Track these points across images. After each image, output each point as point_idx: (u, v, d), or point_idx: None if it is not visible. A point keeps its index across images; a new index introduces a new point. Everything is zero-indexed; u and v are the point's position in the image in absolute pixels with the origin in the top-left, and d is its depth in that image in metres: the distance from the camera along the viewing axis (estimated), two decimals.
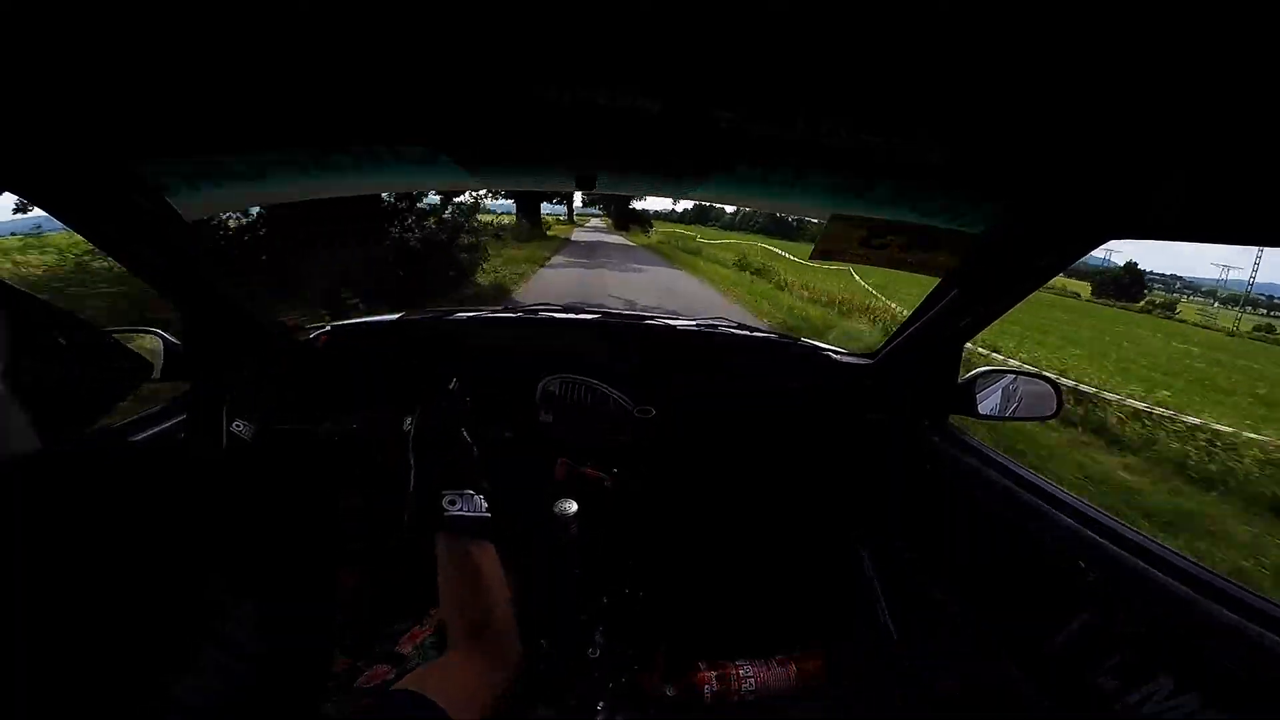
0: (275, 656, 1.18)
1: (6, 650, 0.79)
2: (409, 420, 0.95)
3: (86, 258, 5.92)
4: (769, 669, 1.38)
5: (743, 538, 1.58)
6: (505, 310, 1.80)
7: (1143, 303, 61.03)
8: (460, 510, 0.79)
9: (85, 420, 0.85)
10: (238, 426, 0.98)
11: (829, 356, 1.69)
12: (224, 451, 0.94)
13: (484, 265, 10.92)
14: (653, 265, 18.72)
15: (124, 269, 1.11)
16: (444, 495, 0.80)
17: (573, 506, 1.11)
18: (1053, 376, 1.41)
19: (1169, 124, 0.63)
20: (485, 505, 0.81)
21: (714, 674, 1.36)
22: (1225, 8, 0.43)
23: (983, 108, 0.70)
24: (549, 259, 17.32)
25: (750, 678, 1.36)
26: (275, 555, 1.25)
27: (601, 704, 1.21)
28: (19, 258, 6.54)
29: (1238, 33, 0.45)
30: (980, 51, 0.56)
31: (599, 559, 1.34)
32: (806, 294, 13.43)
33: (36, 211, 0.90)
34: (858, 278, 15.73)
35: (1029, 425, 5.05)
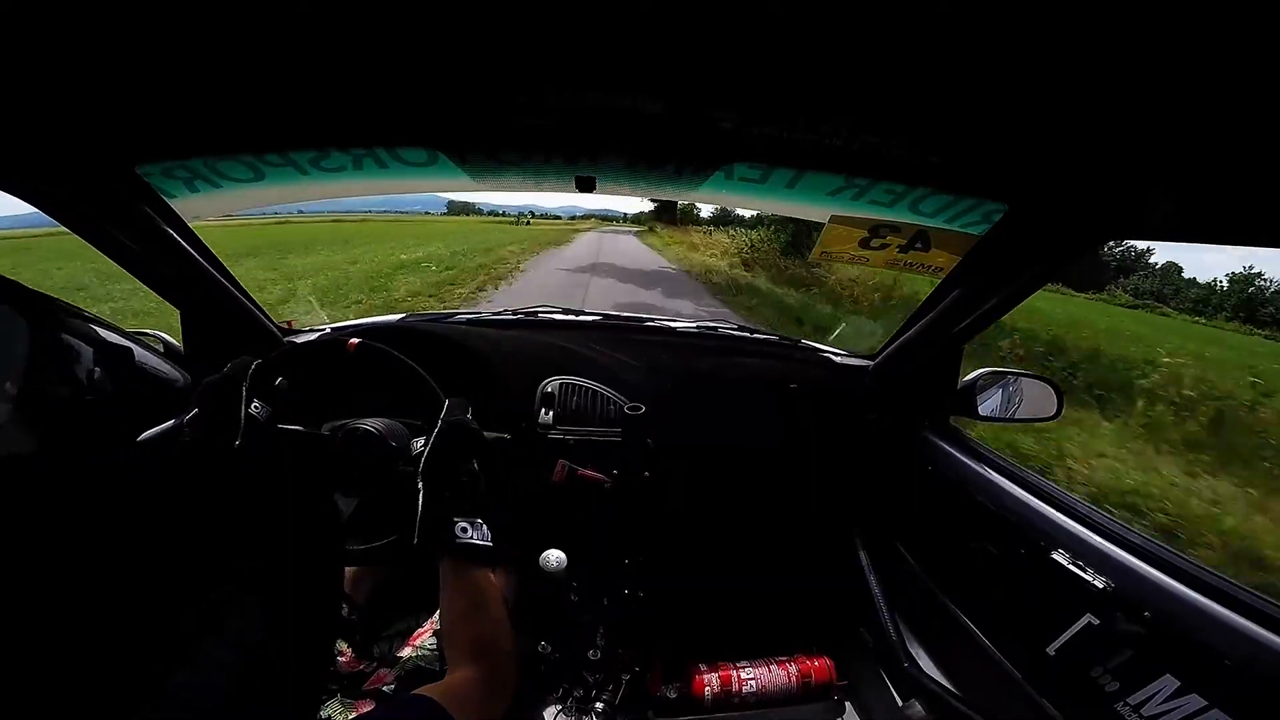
0: (277, 653, 1.17)
1: (8, 643, 0.79)
2: (420, 442, 0.95)
3: None
4: (769, 671, 1.38)
5: (743, 539, 1.57)
6: (506, 313, 1.80)
7: None
8: (470, 538, 0.82)
9: (108, 421, 0.85)
10: (255, 408, 0.98)
11: (829, 358, 1.69)
12: (240, 432, 0.94)
13: None
14: None
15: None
16: (456, 522, 0.82)
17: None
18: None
19: (1169, 124, 0.63)
20: (489, 534, 0.84)
21: (714, 676, 1.35)
22: (1221, 13, 0.43)
23: (983, 109, 0.70)
24: None
25: (751, 679, 1.36)
26: (280, 553, 1.25)
27: (602, 705, 1.21)
28: None
29: (1233, 36, 0.45)
30: (980, 52, 0.56)
31: (599, 560, 1.34)
32: None
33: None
34: None
35: None
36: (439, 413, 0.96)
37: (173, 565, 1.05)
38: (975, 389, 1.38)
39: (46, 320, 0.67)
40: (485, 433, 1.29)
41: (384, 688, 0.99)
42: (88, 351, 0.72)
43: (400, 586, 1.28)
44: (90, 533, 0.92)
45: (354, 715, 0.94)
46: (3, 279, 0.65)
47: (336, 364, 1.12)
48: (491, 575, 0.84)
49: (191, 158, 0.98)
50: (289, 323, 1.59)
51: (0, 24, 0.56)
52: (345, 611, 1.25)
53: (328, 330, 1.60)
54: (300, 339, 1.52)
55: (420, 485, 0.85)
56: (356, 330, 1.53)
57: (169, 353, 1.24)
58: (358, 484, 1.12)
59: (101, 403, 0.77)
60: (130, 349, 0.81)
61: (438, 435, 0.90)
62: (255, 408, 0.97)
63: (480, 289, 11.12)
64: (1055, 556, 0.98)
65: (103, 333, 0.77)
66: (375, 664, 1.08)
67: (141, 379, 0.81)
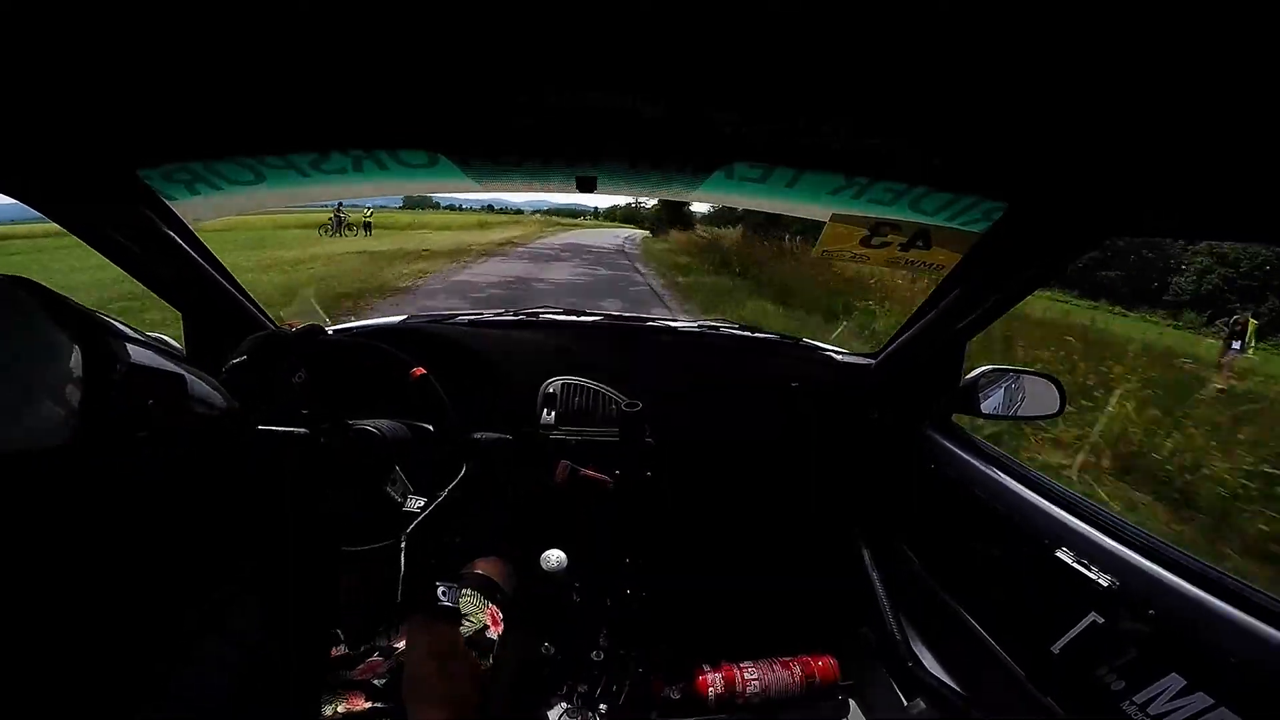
0: (278, 651, 1.18)
1: (11, 640, 0.79)
2: (418, 503, 0.97)
3: None
4: (773, 670, 1.38)
5: (745, 539, 1.57)
6: (507, 313, 1.80)
7: None
8: (450, 601, 0.86)
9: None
10: (299, 376, 0.99)
11: (830, 356, 1.69)
12: (290, 391, 0.96)
13: None
14: None
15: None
16: (438, 585, 0.86)
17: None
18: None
19: (1169, 122, 0.63)
20: (458, 595, 0.89)
21: (718, 676, 1.35)
22: (1223, 9, 0.43)
23: (982, 107, 0.69)
24: None
25: (755, 679, 1.36)
26: (280, 552, 1.25)
27: (605, 706, 1.21)
28: None
29: (1235, 33, 0.45)
30: (980, 52, 0.56)
31: (601, 561, 1.34)
32: None
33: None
34: None
35: None
36: (447, 473, 0.98)
37: (177, 565, 1.06)
38: (977, 387, 1.38)
39: (101, 345, 0.67)
40: (487, 434, 1.30)
41: (375, 680, 0.99)
42: (141, 381, 0.73)
43: (396, 580, 1.28)
44: (95, 533, 0.92)
45: (344, 707, 0.94)
46: (26, 281, 0.65)
47: (351, 366, 1.12)
48: (459, 633, 0.89)
49: (192, 160, 0.98)
50: (290, 325, 1.59)
51: (0, 27, 0.56)
52: (344, 605, 1.26)
53: (329, 333, 1.60)
54: None
55: (403, 546, 0.87)
56: (359, 332, 1.54)
57: (170, 354, 1.24)
58: (354, 483, 1.12)
59: (120, 404, 0.77)
60: (184, 379, 0.82)
61: (437, 506, 0.92)
62: (300, 376, 0.99)
63: None
64: (1059, 554, 0.97)
65: (158, 361, 0.77)
66: (370, 651, 1.08)
67: (196, 410, 0.82)
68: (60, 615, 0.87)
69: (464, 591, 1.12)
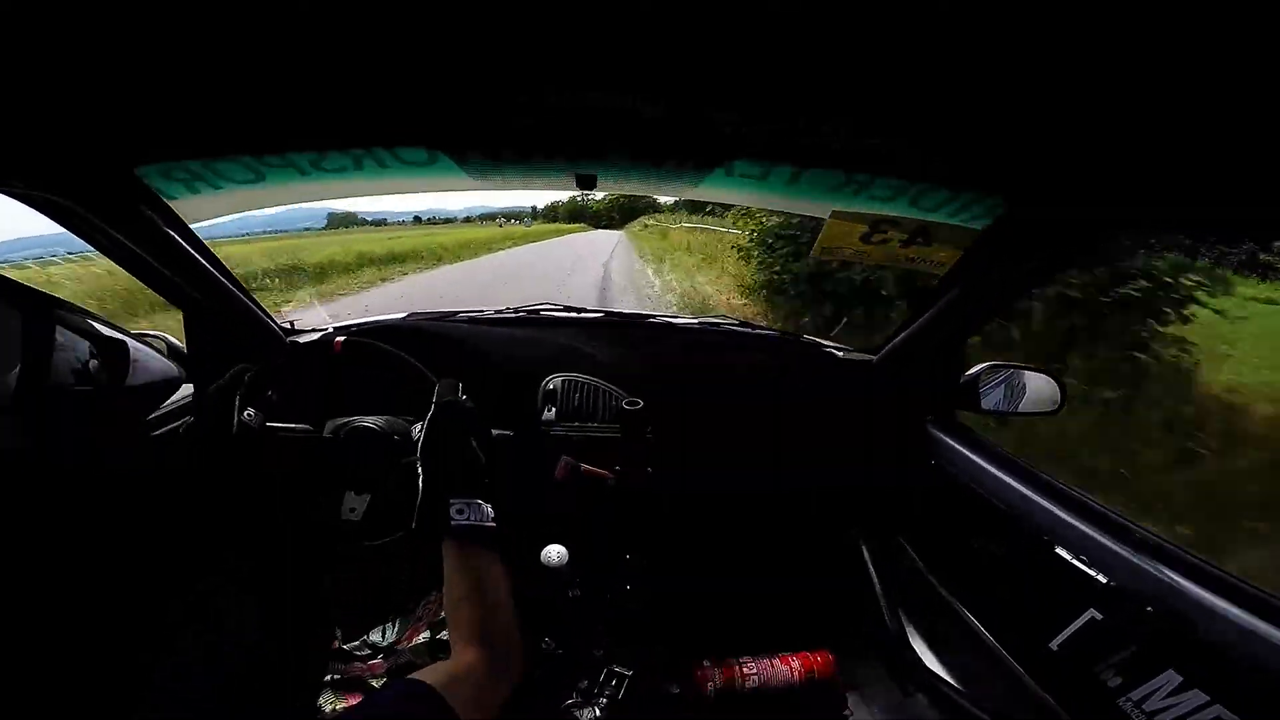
0: (275, 651, 1.19)
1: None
2: (418, 427, 0.96)
3: None
4: (772, 666, 1.39)
5: (745, 536, 1.58)
6: (507, 311, 1.80)
7: None
8: (467, 520, 0.80)
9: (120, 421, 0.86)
10: (249, 415, 0.99)
11: (831, 354, 1.69)
12: (233, 438, 0.95)
13: None
14: None
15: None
16: (452, 504, 0.81)
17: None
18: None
19: (1171, 119, 0.63)
20: (492, 514, 0.82)
21: (717, 671, 1.36)
22: (1221, 8, 0.43)
23: (983, 106, 0.69)
24: None
25: (754, 675, 1.36)
26: (276, 553, 1.26)
27: (605, 701, 1.21)
28: None
29: (1236, 31, 0.45)
30: (980, 50, 0.56)
31: (602, 557, 1.35)
32: None
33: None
34: None
35: None
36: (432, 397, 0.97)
37: (156, 556, 1.06)
38: (978, 383, 1.38)
39: (41, 315, 0.67)
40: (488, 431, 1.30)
41: (372, 680, 1.00)
42: (84, 346, 0.73)
43: (395, 582, 1.28)
44: (79, 526, 0.92)
45: (343, 705, 0.95)
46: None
47: (335, 364, 1.12)
48: (494, 557, 0.80)
49: (191, 159, 0.98)
50: (291, 323, 1.59)
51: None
52: (342, 607, 1.26)
53: (330, 330, 1.60)
54: (303, 339, 1.53)
55: (419, 469, 0.85)
56: (354, 330, 1.54)
57: (172, 353, 1.25)
58: (367, 482, 1.13)
59: (96, 398, 0.77)
60: (126, 344, 0.82)
61: (430, 417, 0.91)
62: (249, 414, 0.99)
63: None
64: (1059, 551, 0.98)
65: (100, 329, 0.77)
66: (371, 651, 1.09)
67: (138, 375, 0.82)
68: (43, 607, 0.87)
69: None
